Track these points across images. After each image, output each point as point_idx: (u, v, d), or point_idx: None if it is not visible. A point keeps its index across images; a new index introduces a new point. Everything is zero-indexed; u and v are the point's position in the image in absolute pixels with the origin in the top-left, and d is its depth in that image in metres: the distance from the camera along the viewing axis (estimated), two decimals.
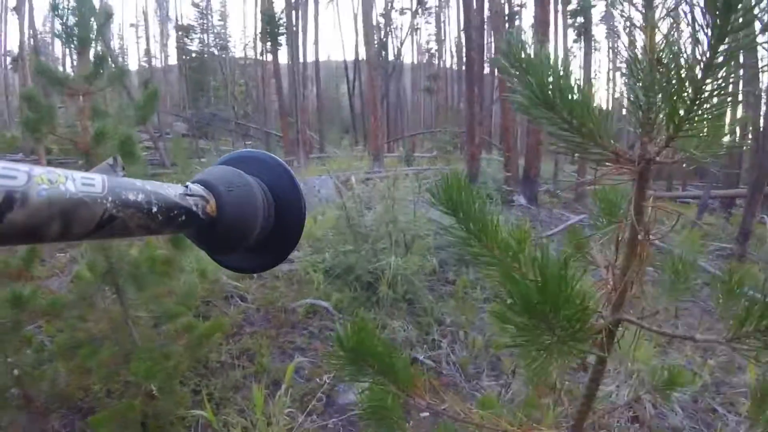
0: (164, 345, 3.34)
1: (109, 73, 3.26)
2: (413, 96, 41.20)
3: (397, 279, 5.05)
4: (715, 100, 0.70)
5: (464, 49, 14.58)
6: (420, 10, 33.27)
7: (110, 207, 0.40)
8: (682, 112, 0.71)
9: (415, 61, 40.23)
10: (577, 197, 13.09)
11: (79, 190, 0.38)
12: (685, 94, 0.70)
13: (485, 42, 18.50)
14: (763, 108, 14.80)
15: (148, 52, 35.19)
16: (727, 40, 0.65)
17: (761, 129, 13.10)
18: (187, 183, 0.53)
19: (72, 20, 3.12)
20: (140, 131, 16.65)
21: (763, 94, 16.24)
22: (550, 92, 0.75)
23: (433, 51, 36.96)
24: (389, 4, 31.09)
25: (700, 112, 0.71)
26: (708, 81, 0.69)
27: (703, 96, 0.70)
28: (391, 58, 30.83)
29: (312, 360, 4.41)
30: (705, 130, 0.74)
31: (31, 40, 20.57)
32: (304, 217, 0.65)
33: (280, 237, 0.63)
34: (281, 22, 23.76)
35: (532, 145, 11.80)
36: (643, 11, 0.77)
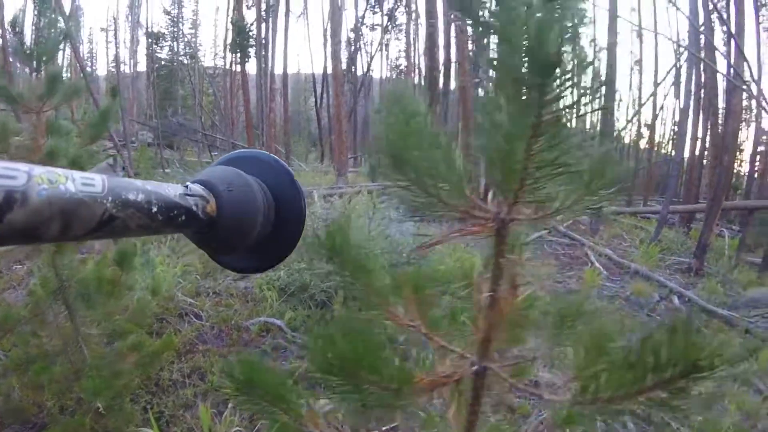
0: (114, 362, 3.36)
1: (65, 89, 3.28)
2: None
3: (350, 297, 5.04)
4: (544, 170, 0.73)
5: (426, 69, 14.73)
6: (390, 27, 33.48)
7: (110, 207, 0.41)
8: (515, 181, 0.74)
9: (385, 77, 40.38)
10: None
11: (79, 190, 0.38)
12: (515, 163, 0.72)
13: (451, 61, 18.70)
14: (720, 127, 15.33)
15: (116, 58, 34.61)
16: (547, 109, 0.67)
17: (719, 146, 13.55)
18: (187, 183, 0.54)
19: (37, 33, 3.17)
20: (105, 139, 16.43)
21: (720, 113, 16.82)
22: (398, 151, 0.77)
23: (402, 67, 37.05)
24: (360, 20, 31.20)
25: (531, 181, 0.74)
26: (533, 149, 0.71)
27: (530, 165, 0.72)
28: (361, 72, 30.95)
29: None
30: (544, 195, 0.78)
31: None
32: (304, 217, 0.65)
33: (280, 237, 0.63)
34: (251, 33, 23.74)
35: None
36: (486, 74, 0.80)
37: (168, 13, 36.89)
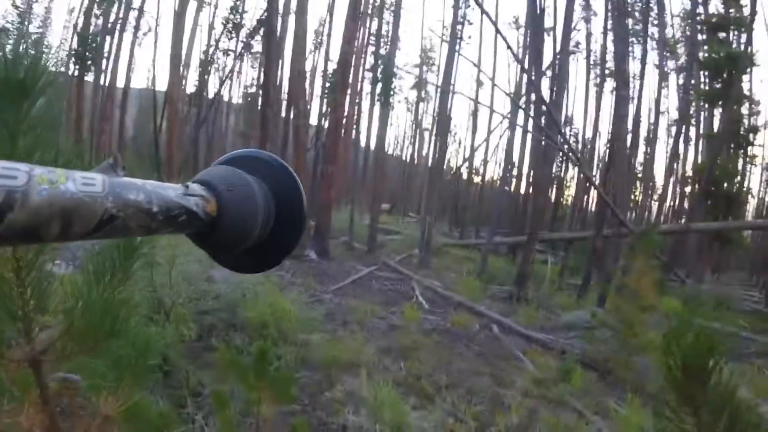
0: None
1: None
2: (232, 138, 40.40)
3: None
4: None
5: (261, 105, 14.76)
6: (245, 55, 32.85)
7: (110, 207, 0.40)
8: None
9: (235, 103, 39.54)
10: (370, 249, 13.85)
11: (79, 190, 0.38)
12: None
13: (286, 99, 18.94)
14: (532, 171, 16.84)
15: None
16: None
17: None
18: (188, 183, 0.53)
19: None
20: None
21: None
22: None
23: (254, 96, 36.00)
24: (215, 44, 30.20)
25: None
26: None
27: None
28: (211, 96, 30.09)
29: None
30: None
31: None
32: (305, 218, 0.65)
33: (280, 237, 0.63)
34: (94, 44, 22.54)
35: (323, 201, 12.44)
36: None
37: (17, 6, 33.52)
